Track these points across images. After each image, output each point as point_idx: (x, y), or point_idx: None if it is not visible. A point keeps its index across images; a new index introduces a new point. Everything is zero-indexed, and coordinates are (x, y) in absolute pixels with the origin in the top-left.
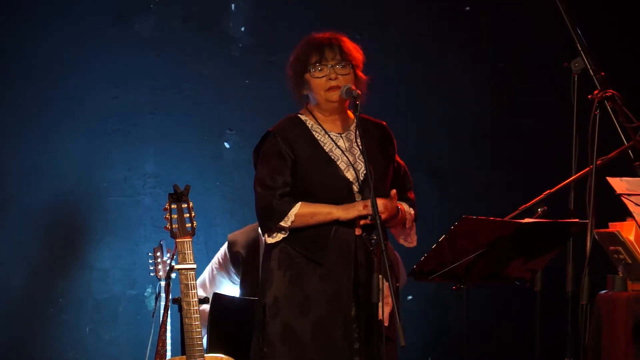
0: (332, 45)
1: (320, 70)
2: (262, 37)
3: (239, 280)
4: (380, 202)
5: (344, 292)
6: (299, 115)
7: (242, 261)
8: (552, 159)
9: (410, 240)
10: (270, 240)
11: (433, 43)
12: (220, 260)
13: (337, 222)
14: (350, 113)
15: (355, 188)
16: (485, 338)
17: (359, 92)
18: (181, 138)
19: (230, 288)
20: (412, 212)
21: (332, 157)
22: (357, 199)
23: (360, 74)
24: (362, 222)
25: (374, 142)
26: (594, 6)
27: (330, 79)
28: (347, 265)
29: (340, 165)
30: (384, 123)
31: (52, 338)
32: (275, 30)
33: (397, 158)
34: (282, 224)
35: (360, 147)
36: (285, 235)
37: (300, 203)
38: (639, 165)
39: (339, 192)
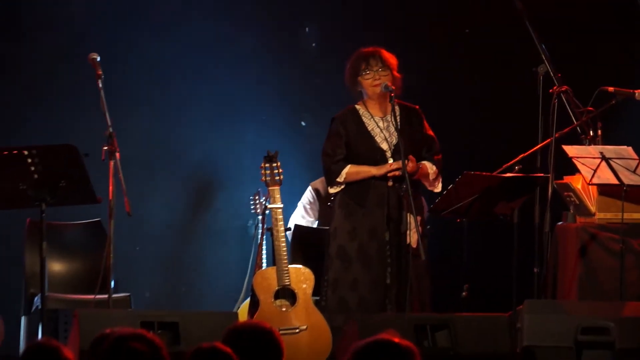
0: (375, 56)
1: (367, 74)
2: (327, 49)
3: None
4: (408, 162)
5: (379, 225)
6: (356, 106)
7: (322, 199)
8: (525, 132)
9: (435, 186)
10: (331, 191)
11: (443, 57)
12: (311, 199)
13: (374, 178)
14: (387, 103)
15: (388, 154)
16: (478, 255)
17: (394, 87)
18: (273, 117)
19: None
20: (434, 168)
21: (372, 134)
22: (389, 162)
23: (396, 73)
24: (390, 174)
25: (407, 121)
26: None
27: (375, 80)
28: (382, 206)
29: (377, 139)
30: (417, 107)
31: (181, 255)
32: (335, 45)
33: (429, 132)
34: (338, 179)
35: (396, 125)
36: (341, 187)
37: (349, 165)
38: (584, 137)
39: (375, 158)
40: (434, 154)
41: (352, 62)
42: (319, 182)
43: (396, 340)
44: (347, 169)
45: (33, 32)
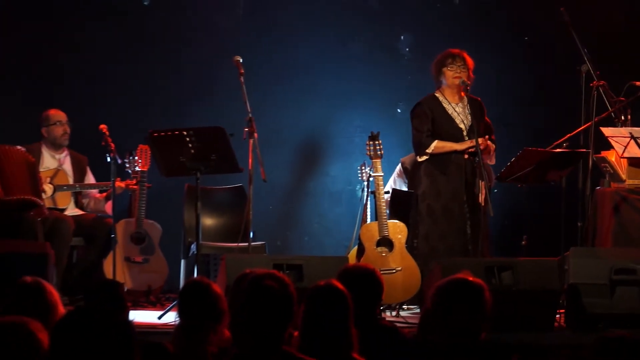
0: (460, 56)
1: (451, 68)
2: (417, 52)
3: (407, 182)
4: (480, 140)
5: (459, 188)
6: (435, 94)
7: (408, 172)
8: (570, 117)
9: (492, 160)
10: (420, 159)
11: (508, 60)
12: (398, 172)
13: (455, 152)
14: (462, 93)
15: (464, 133)
16: (534, 212)
17: (469, 82)
18: (373, 106)
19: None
20: (494, 145)
21: (452, 116)
22: (465, 140)
23: (471, 74)
24: (468, 150)
25: (475, 109)
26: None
27: (456, 73)
28: (460, 174)
29: (456, 120)
30: (479, 99)
31: (304, 212)
32: (423, 50)
33: (487, 119)
34: (427, 151)
35: (468, 111)
36: (427, 157)
37: (437, 140)
38: (617, 121)
39: (455, 136)
40: (490, 135)
41: (442, 56)
42: (407, 158)
43: (470, 278)
44: (435, 143)
45: (193, 40)
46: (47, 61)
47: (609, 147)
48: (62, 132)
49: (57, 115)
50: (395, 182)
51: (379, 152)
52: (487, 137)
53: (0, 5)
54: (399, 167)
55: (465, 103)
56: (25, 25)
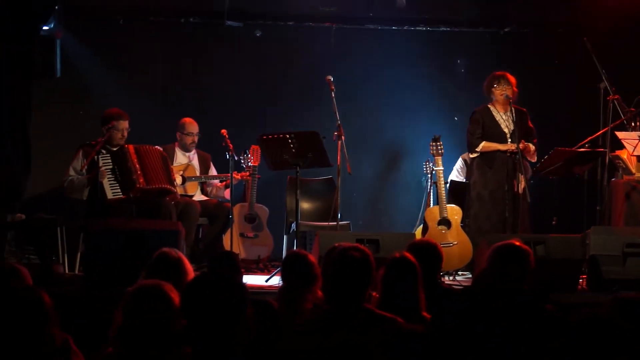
0: (504, 76)
1: (498, 87)
2: (471, 73)
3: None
4: (521, 143)
5: (502, 179)
6: (488, 105)
7: (467, 165)
8: (592, 124)
9: (533, 158)
10: (472, 156)
11: (543, 80)
12: (462, 165)
13: (499, 151)
14: (507, 105)
15: (508, 136)
16: (562, 198)
17: (512, 96)
18: (436, 115)
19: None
20: (533, 147)
21: (499, 123)
22: (508, 141)
23: (515, 89)
24: (509, 150)
25: (519, 117)
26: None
27: (502, 91)
28: (504, 168)
29: (501, 126)
30: (524, 109)
31: (381, 198)
32: (475, 71)
33: (530, 125)
34: (476, 149)
35: (512, 119)
36: (477, 155)
37: (484, 141)
38: (629, 126)
39: (500, 138)
40: (533, 138)
41: (490, 77)
42: (466, 155)
43: (518, 244)
44: (483, 144)
45: (294, 62)
46: (184, 81)
47: (622, 147)
48: (190, 142)
49: (191, 126)
50: (458, 173)
51: (440, 151)
52: (523, 140)
53: (162, 44)
54: (460, 161)
55: (510, 112)
56: (170, 56)
